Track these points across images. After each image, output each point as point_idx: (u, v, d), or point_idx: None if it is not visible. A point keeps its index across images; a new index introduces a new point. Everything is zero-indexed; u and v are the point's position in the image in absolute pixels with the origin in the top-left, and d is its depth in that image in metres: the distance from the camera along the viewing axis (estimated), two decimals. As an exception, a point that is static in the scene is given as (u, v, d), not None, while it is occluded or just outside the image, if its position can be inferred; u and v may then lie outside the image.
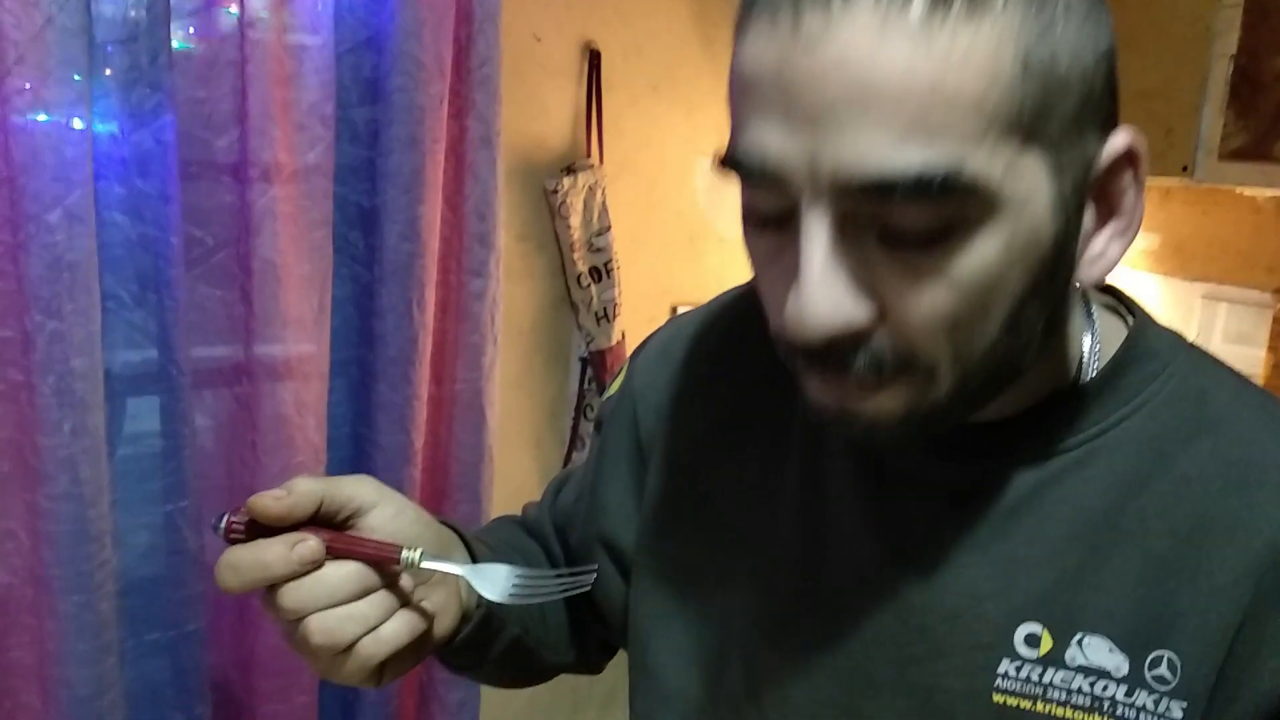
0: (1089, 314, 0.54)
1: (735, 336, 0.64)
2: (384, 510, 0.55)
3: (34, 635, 1.23)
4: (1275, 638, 0.46)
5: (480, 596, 0.57)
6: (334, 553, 0.52)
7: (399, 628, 0.53)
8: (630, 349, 1.93)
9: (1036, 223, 0.43)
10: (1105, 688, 0.48)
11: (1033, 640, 0.49)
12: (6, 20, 1.08)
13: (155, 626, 1.35)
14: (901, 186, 0.39)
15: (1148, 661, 0.48)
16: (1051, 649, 0.49)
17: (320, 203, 1.38)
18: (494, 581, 0.55)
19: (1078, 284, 0.48)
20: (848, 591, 0.54)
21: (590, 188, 1.72)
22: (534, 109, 1.69)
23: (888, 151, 0.39)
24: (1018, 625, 0.50)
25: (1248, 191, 1.48)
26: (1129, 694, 0.48)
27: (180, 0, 1.26)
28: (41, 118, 1.12)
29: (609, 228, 1.74)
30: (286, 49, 1.32)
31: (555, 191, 1.68)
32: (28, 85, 1.11)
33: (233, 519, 0.52)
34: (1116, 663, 0.48)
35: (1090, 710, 0.48)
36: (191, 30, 1.29)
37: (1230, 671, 0.47)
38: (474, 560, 0.61)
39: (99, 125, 1.21)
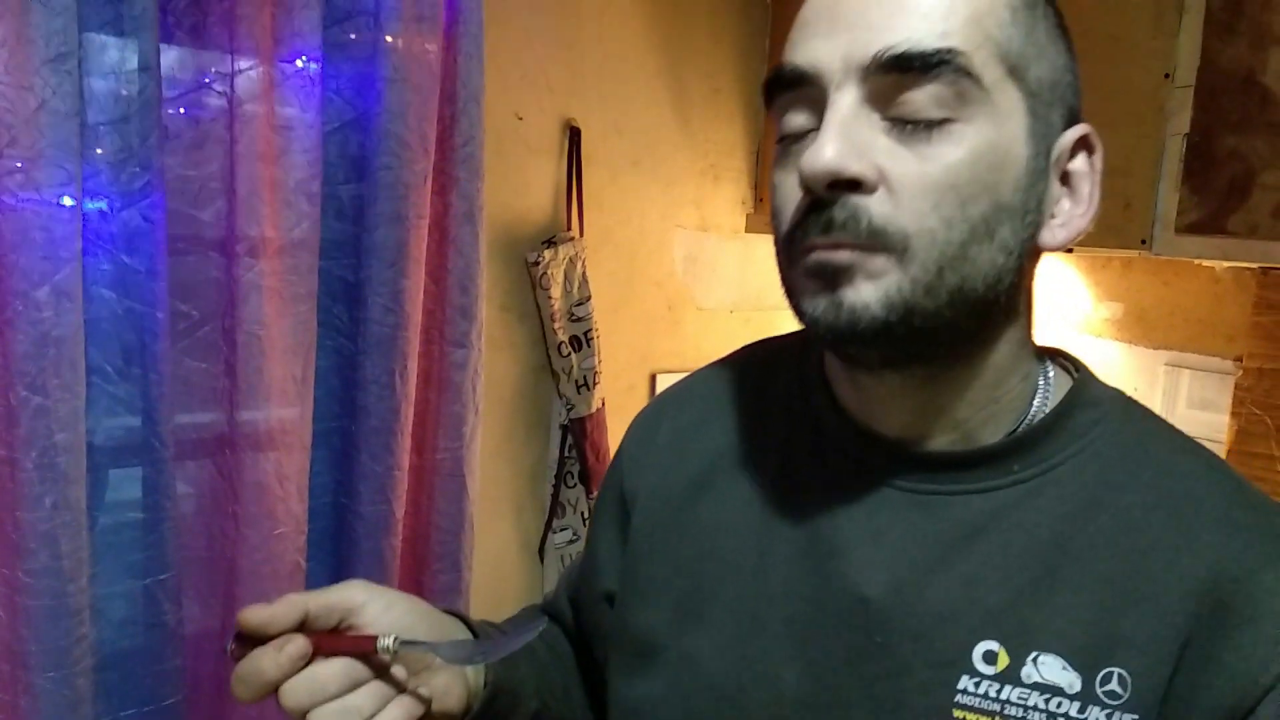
0: (1043, 367, 0.60)
1: (715, 396, 0.69)
2: (374, 607, 0.59)
3: (9, 713, 1.22)
4: (1220, 655, 0.50)
5: (486, 676, 0.63)
6: (322, 651, 0.56)
7: (395, 715, 0.56)
8: (610, 416, 1.95)
9: (1012, 141, 0.52)
10: (1059, 704, 0.51)
11: (990, 657, 0.53)
12: (0, 104, 1.11)
13: (132, 702, 1.34)
14: (919, 60, 0.50)
15: (1099, 678, 0.51)
16: (1008, 666, 0.52)
17: (305, 277, 1.40)
18: (458, 650, 0.60)
19: (1045, 245, 0.55)
20: (817, 613, 0.57)
21: (571, 259, 1.75)
22: (516, 184, 1.73)
23: (907, 36, 0.50)
24: (977, 642, 0.53)
25: (1206, 262, 1.54)
26: (1082, 710, 0.51)
27: (171, 81, 1.30)
28: (32, 196, 1.15)
29: (589, 298, 1.78)
30: (274, 128, 1.36)
31: (536, 263, 1.72)
32: (19, 165, 1.14)
33: (235, 639, 0.57)
34: (1069, 680, 0.51)
35: None
36: (182, 110, 1.32)
37: (1180, 685, 0.50)
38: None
39: (88, 203, 1.24)
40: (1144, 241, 1.46)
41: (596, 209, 1.82)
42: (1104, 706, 0.51)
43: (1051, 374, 0.60)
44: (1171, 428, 0.59)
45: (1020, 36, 0.52)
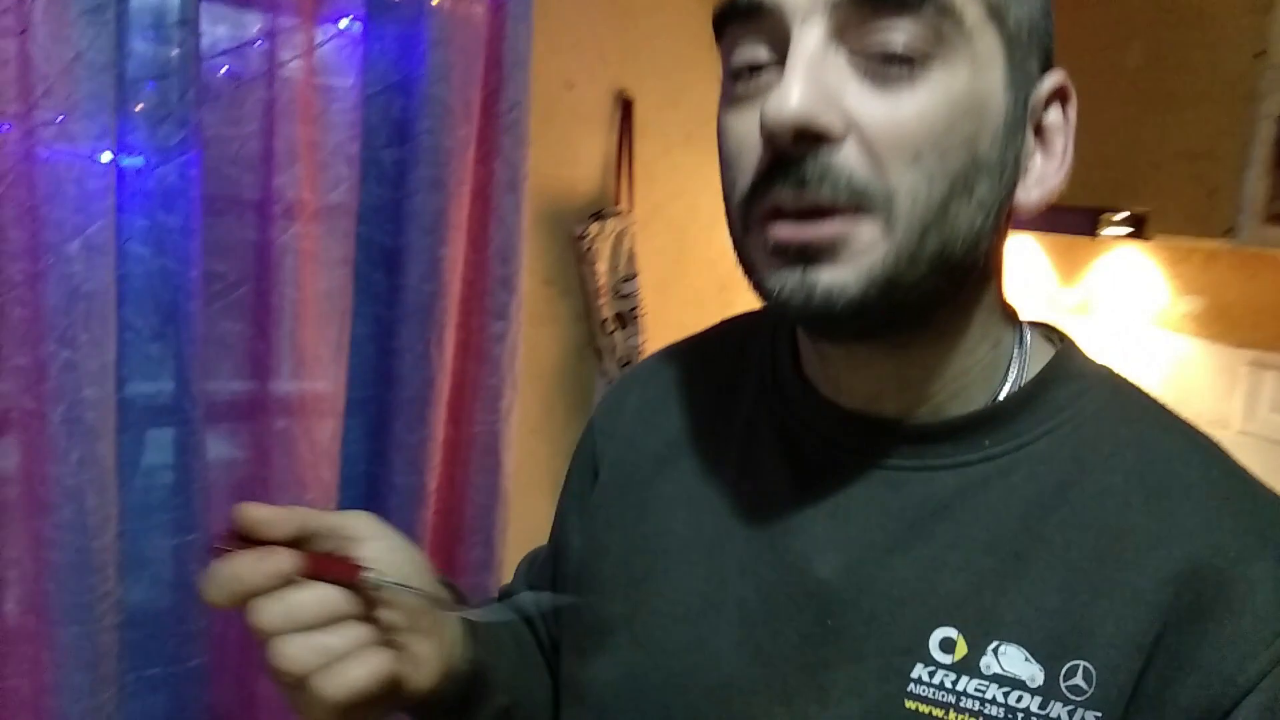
0: (1020, 336, 0.55)
1: (687, 369, 0.66)
2: (376, 545, 0.54)
3: (32, 665, 1.22)
4: (1195, 652, 0.45)
5: (470, 656, 0.60)
6: (308, 574, 0.51)
7: (362, 669, 0.50)
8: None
9: (992, 89, 0.47)
10: (1020, 699, 0.47)
11: (948, 645, 0.49)
12: (36, 54, 1.11)
13: (156, 661, 1.34)
14: None
15: (1063, 672, 0.47)
16: (966, 655, 0.48)
17: (342, 241, 1.38)
18: (442, 601, 0.56)
19: (1019, 206, 0.50)
20: (770, 594, 0.54)
21: (619, 234, 1.71)
22: (564, 155, 1.69)
23: None
24: (934, 629, 0.49)
25: (1297, 256, 1.43)
26: (1043, 705, 0.46)
27: (212, 39, 1.28)
28: (67, 149, 1.14)
29: (636, 275, 1.73)
30: (315, 89, 1.33)
31: (582, 237, 1.68)
32: (54, 118, 1.13)
33: (224, 534, 0.52)
34: (1031, 673, 0.47)
35: None
36: (222, 68, 1.31)
37: (1150, 682, 0.45)
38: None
39: (125, 159, 1.23)
40: (1229, 231, 1.36)
41: (647, 183, 1.77)
42: (1067, 702, 0.46)
43: (1030, 344, 0.55)
44: (1162, 405, 0.54)
45: None
